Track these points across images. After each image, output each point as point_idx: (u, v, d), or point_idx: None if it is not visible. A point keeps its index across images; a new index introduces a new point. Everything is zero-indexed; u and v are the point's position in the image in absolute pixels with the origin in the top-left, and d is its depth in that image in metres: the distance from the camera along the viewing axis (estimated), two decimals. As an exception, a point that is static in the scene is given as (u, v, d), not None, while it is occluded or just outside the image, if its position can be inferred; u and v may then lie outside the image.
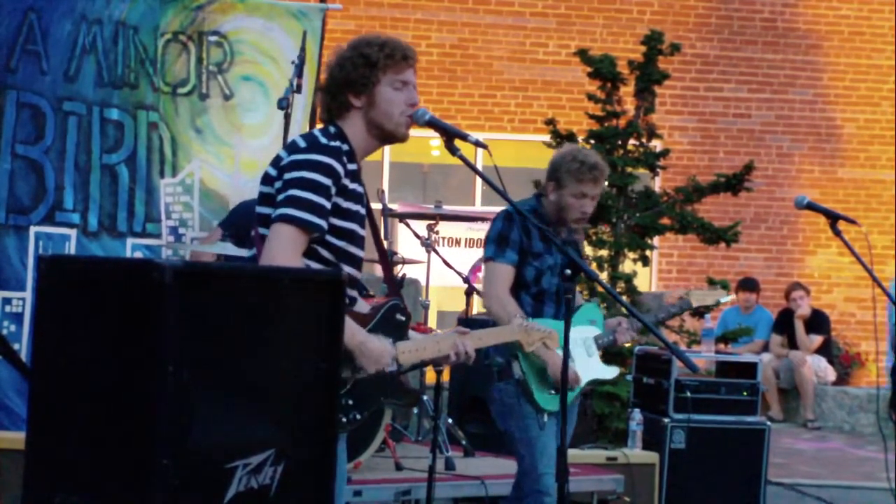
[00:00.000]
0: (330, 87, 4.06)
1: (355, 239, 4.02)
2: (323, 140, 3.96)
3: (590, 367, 5.91)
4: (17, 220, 6.95)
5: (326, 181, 3.87)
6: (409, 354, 4.08)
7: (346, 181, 3.93)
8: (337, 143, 3.97)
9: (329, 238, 3.94)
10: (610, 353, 6.29)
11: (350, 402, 3.91)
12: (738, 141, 15.37)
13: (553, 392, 5.70)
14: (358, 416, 3.95)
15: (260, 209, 4.01)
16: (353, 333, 3.81)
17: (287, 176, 3.89)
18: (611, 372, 6.06)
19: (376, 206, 7.05)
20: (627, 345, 6.38)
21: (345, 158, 3.94)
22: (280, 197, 3.88)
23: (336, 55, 4.07)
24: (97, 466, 3.07)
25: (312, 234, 3.86)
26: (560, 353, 5.42)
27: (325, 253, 3.95)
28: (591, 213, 5.89)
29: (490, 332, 4.43)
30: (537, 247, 5.75)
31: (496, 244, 5.78)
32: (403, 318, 4.13)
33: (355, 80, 4.00)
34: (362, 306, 4.11)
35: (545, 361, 5.66)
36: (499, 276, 5.73)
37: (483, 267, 5.90)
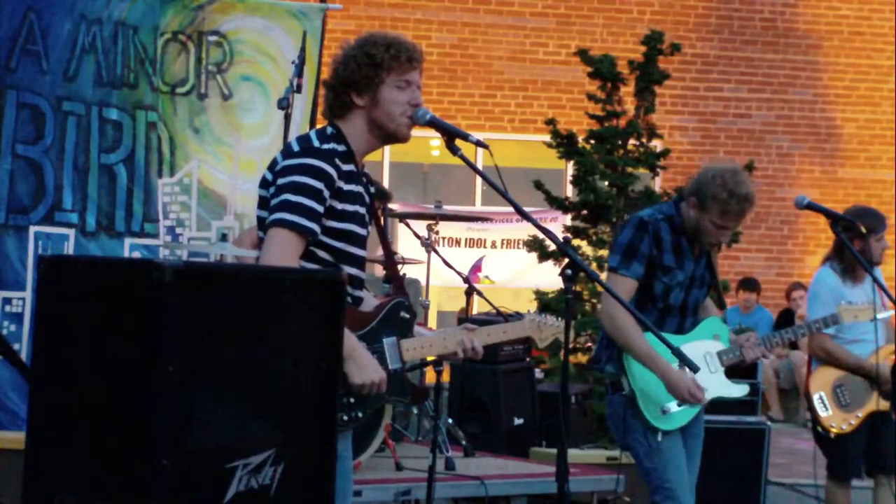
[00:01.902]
0: (333, 85, 4.06)
1: (355, 239, 4.02)
2: (317, 143, 3.97)
3: (713, 384, 5.49)
4: (16, 219, 6.94)
5: (319, 185, 3.88)
6: (415, 352, 4.08)
7: (340, 183, 3.93)
8: (332, 146, 3.97)
9: (327, 240, 3.94)
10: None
11: (352, 400, 3.91)
12: (739, 141, 15.37)
13: (666, 411, 5.40)
14: (360, 415, 3.95)
15: (259, 213, 4.03)
16: (346, 340, 3.78)
17: (280, 181, 3.91)
18: (739, 390, 5.68)
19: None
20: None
21: (338, 161, 3.94)
22: (274, 202, 3.90)
23: (342, 52, 4.07)
24: (97, 466, 3.07)
25: (307, 238, 3.86)
26: (686, 370, 5.23)
27: (323, 254, 3.95)
28: (724, 242, 5.58)
29: (499, 329, 4.42)
30: (668, 260, 5.44)
31: (623, 254, 5.42)
32: (408, 316, 4.13)
33: (359, 79, 4.00)
34: (368, 305, 4.11)
35: (662, 377, 5.33)
36: (620, 291, 5.23)
37: (605, 276, 5.50)
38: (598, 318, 9.48)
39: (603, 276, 5.69)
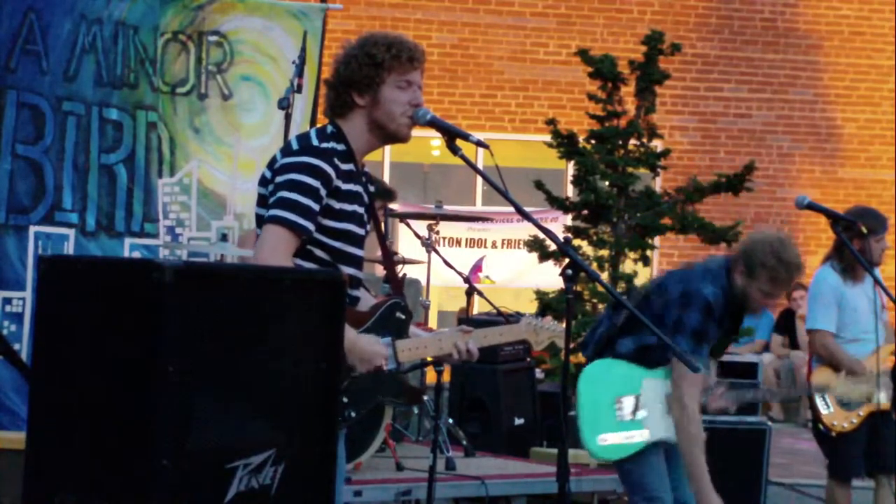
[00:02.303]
0: (334, 84, 4.06)
1: (353, 239, 4.01)
2: (315, 142, 3.97)
3: (663, 426, 5.44)
4: (17, 219, 6.94)
5: (315, 183, 3.88)
6: (410, 352, 4.08)
7: (338, 182, 3.93)
8: (331, 145, 3.97)
9: (325, 239, 3.94)
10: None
11: (345, 399, 3.91)
12: (739, 141, 15.37)
13: (605, 440, 5.38)
14: (353, 415, 3.94)
15: (257, 210, 4.04)
16: (345, 334, 3.78)
17: (278, 179, 3.92)
18: None
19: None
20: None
21: (337, 160, 3.94)
22: (271, 199, 3.90)
23: (343, 51, 4.07)
24: (97, 466, 3.07)
25: (301, 236, 3.87)
26: (630, 398, 5.34)
27: (321, 254, 3.95)
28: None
29: (495, 331, 4.42)
30: (713, 334, 5.42)
31: (694, 340, 5.33)
32: (403, 317, 4.13)
33: (360, 78, 4.00)
34: (365, 304, 4.11)
35: (699, 494, 5.29)
36: (691, 381, 5.25)
37: (673, 364, 5.34)
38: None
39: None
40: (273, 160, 4.01)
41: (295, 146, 3.99)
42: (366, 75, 3.99)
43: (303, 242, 3.90)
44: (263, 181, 4.01)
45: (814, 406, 6.90)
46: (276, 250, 3.84)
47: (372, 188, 4.17)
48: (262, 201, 3.99)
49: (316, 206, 3.89)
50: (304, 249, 3.92)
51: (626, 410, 5.41)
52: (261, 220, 3.98)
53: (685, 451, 5.33)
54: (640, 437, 5.41)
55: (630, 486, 5.52)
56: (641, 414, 5.41)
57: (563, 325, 4.53)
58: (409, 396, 4.23)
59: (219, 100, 7.49)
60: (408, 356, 4.07)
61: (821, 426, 6.88)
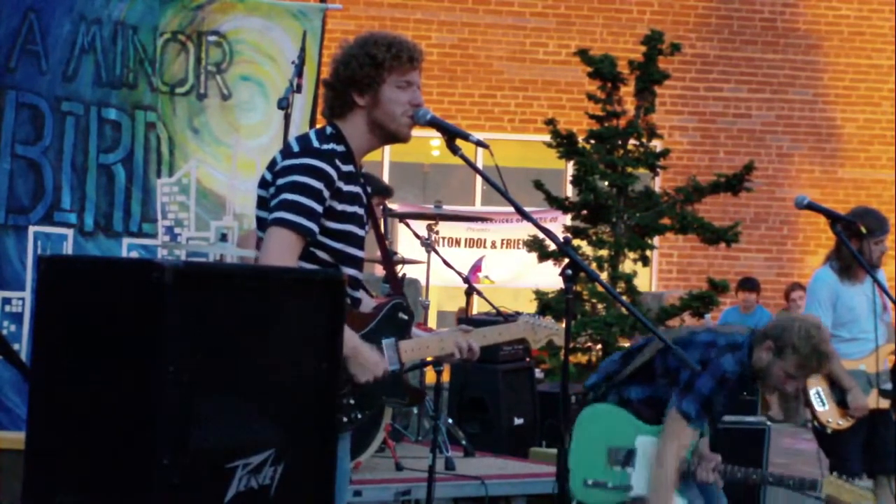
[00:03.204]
0: (334, 85, 4.06)
1: (353, 240, 4.01)
2: (316, 143, 3.96)
3: (646, 484, 5.42)
4: (16, 219, 6.94)
5: (318, 185, 3.88)
6: (413, 353, 4.08)
7: (339, 184, 3.93)
8: (331, 146, 3.96)
9: (326, 240, 3.94)
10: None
11: (351, 401, 3.91)
12: (738, 141, 15.37)
13: (590, 484, 5.41)
14: (360, 416, 3.95)
15: (258, 213, 4.03)
16: (347, 340, 3.78)
17: (280, 181, 3.91)
18: (677, 501, 5.43)
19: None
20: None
21: (338, 161, 3.94)
22: (274, 201, 3.90)
23: (342, 51, 4.06)
24: (97, 466, 3.07)
25: (306, 238, 3.87)
26: (622, 451, 5.35)
27: (322, 255, 3.95)
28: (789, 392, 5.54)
29: (494, 330, 4.42)
30: (718, 405, 5.40)
31: (700, 406, 5.32)
32: (406, 317, 4.12)
33: (360, 78, 3.99)
34: (367, 306, 4.11)
35: None
36: (683, 439, 5.27)
37: (670, 415, 5.34)
38: (598, 318, 9.48)
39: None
40: (273, 162, 4.00)
41: (295, 148, 3.98)
42: (366, 75, 3.99)
43: (306, 244, 3.90)
44: (264, 183, 4.00)
45: (809, 403, 6.91)
46: (282, 253, 3.83)
47: (369, 188, 4.17)
48: (263, 203, 3.99)
49: (319, 208, 3.88)
50: (306, 251, 3.91)
51: (616, 460, 5.42)
52: (262, 223, 3.97)
53: (654, 493, 5.31)
54: (624, 489, 5.42)
55: None
56: (630, 469, 5.41)
57: (562, 324, 4.54)
58: (412, 397, 4.24)
59: (218, 100, 7.49)
60: (411, 356, 4.08)
61: (816, 424, 6.88)
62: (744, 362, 5.38)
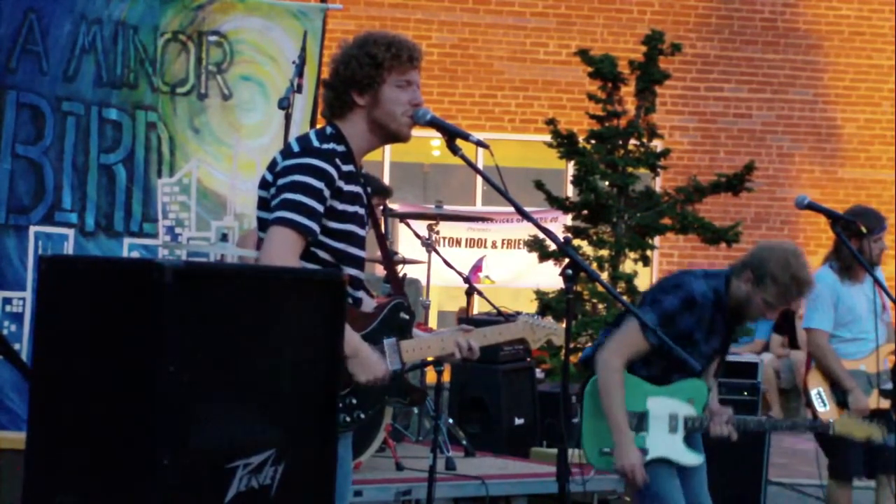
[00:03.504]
0: (334, 85, 4.06)
1: (354, 240, 4.02)
2: (316, 143, 3.97)
3: (664, 444, 5.41)
4: (17, 219, 6.94)
5: (319, 184, 3.88)
6: (414, 353, 4.08)
7: (340, 183, 3.93)
8: (331, 146, 3.97)
9: (328, 240, 3.94)
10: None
11: (354, 401, 3.91)
12: (739, 141, 15.37)
13: (605, 452, 5.35)
14: (362, 416, 3.95)
15: (258, 213, 4.03)
16: (348, 340, 3.78)
17: (281, 181, 3.91)
18: (691, 458, 5.51)
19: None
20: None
21: (339, 161, 3.94)
22: (274, 201, 3.90)
23: (342, 51, 4.06)
24: (97, 466, 3.07)
25: (307, 237, 3.87)
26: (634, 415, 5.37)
27: (323, 255, 3.95)
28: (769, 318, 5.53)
29: (494, 330, 4.42)
30: (698, 336, 5.37)
31: (659, 319, 5.29)
32: (407, 317, 4.13)
33: (360, 78, 4.00)
34: (368, 305, 4.11)
35: (615, 441, 5.28)
36: (630, 344, 5.27)
37: (631, 321, 5.33)
38: (598, 318, 9.47)
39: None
40: (273, 163, 4.00)
41: (295, 148, 3.98)
42: (366, 75, 3.99)
43: (307, 244, 3.90)
44: (264, 184, 4.01)
45: (811, 404, 6.90)
46: (283, 252, 3.83)
47: (368, 188, 4.17)
48: (263, 204, 3.99)
49: (320, 208, 3.88)
50: (307, 251, 3.92)
51: (629, 425, 5.39)
52: (262, 223, 3.98)
53: (603, 394, 5.31)
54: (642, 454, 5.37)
55: (646, 499, 5.46)
56: (644, 432, 5.40)
57: (563, 324, 4.54)
58: (414, 396, 4.24)
59: (219, 100, 7.49)
60: (412, 356, 4.08)
61: None
62: (718, 291, 5.38)
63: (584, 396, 5.45)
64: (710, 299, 5.36)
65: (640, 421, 5.40)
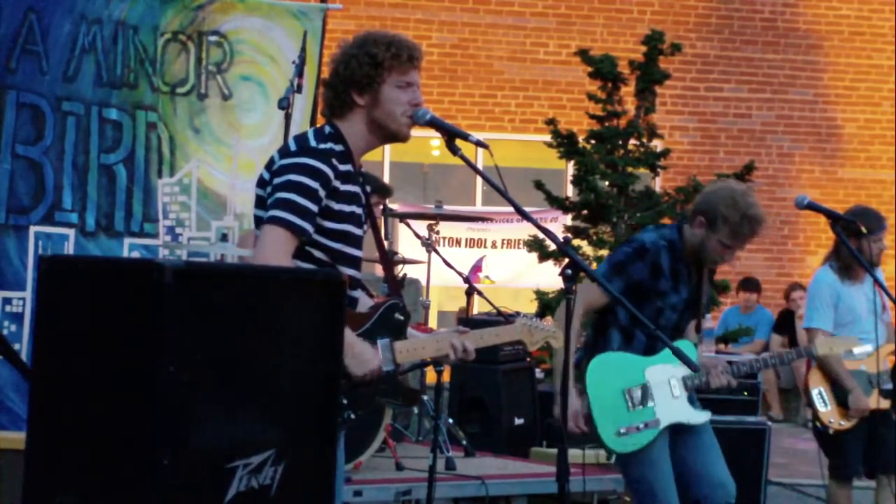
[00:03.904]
0: (334, 84, 4.06)
1: (351, 240, 4.02)
2: (313, 143, 3.97)
3: (673, 409, 5.50)
4: (17, 219, 6.94)
5: (314, 184, 3.89)
6: (408, 354, 4.08)
7: (336, 183, 3.94)
8: (329, 145, 3.97)
9: (324, 240, 3.94)
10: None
11: (344, 401, 3.91)
12: (739, 141, 15.37)
13: (623, 433, 5.41)
14: (352, 416, 3.95)
15: (256, 212, 4.04)
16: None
17: (277, 180, 3.92)
18: (699, 416, 5.60)
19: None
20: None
21: (335, 161, 3.94)
22: (269, 200, 3.91)
23: (342, 51, 4.06)
24: (97, 466, 3.07)
25: (300, 238, 3.87)
26: (637, 389, 5.40)
27: (319, 254, 3.95)
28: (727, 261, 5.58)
29: (491, 332, 4.42)
30: (663, 286, 5.44)
31: (611, 268, 5.42)
32: (402, 318, 4.13)
33: (360, 78, 4.00)
34: (364, 305, 4.11)
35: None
36: (586, 295, 5.34)
37: (585, 280, 5.44)
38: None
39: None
40: (271, 161, 4.01)
41: (293, 147, 3.98)
42: (366, 75, 4.00)
43: (302, 244, 3.90)
44: (261, 183, 4.01)
45: (812, 404, 6.91)
46: (276, 251, 3.84)
47: (368, 188, 4.17)
48: (261, 203, 4.00)
49: (314, 208, 3.89)
50: (303, 251, 3.92)
51: (636, 401, 5.43)
52: (259, 222, 3.98)
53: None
54: (654, 424, 5.44)
55: (640, 494, 5.50)
56: (650, 403, 5.44)
57: (559, 325, 4.54)
58: (406, 397, 4.23)
59: (219, 100, 7.49)
60: (405, 357, 4.08)
61: (818, 424, 6.89)
62: (672, 239, 5.46)
63: (586, 386, 5.47)
64: (662, 245, 5.44)
65: (643, 393, 5.44)
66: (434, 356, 4.17)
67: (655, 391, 5.45)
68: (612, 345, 5.51)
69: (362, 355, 3.91)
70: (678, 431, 5.55)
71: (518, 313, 4.68)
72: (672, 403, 5.49)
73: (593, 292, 5.38)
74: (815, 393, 6.87)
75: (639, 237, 5.54)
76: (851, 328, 6.80)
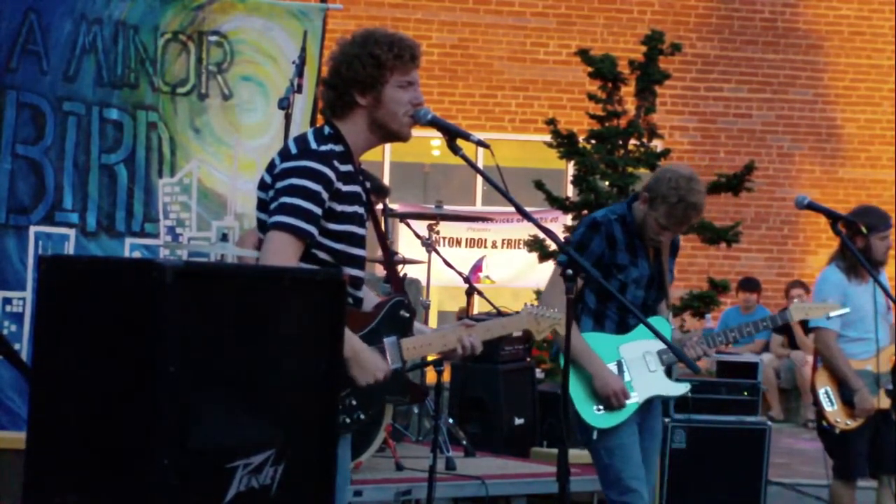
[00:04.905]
0: (336, 85, 4.05)
1: (354, 240, 4.02)
2: (314, 145, 3.96)
3: (650, 383, 5.58)
4: (17, 219, 6.95)
5: (317, 187, 3.88)
6: (415, 350, 4.08)
7: (338, 185, 3.93)
8: (329, 147, 3.96)
9: (327, 242, 3.94)
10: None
11: (353, 402, 3.91)
12: (739, 141, 15.37)
13: (601, 409, 5.48)
14: (362, 416, 3.95)
15: (258, 215, 4.03)
16: (348, 342, 3.76)
17: (279, 184, 3.91)
18: (678, 388, 5.75)
19: (377, 205, 7.04)
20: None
21: (336, 162, 3.94)
22: (273, 205, 3.90)
23: (342, 50, 4.05)
24: (97, 466, 3.07)
25: (305, 241, 3.87)
26: (612, 366, 5.46)
27: (323, 256, 3.95)
28: (665, 243, 5.67)
29: (498, 323, 4.42)
30: (622, 259, 5.52)
31: (573, 249, 5.49)
32: (408, 315, 4.12)
33: (363, 79, 3.99)
34: (369, 304, 4.11)
35: (591, 373, 5.45)
36: (554, 282, 5.47)
37: (554, 266, 5.66)
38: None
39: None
40: (272, 164, 4.00)
41: (293, 150, 3.97)
42: (369, 75, 3.99)
43: (306, 246, 3.90)
44: (263, 185, 4.00)
45: (817, 402, 6.91)
46: (282, 256, 3.83)
47: (368, 184, 4.17)
48: (263, 205, 3.99)
49: (318, 211, 3.88)
50: (306, 252, 3.91)
51: None
52: (262, 225, 3.98)
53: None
54: (632, 399, 5.52)
55: (607, 482, 5.58)
56: (627, 377, 5.53)
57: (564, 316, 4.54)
58: (414, 394, 4.23)
59: (219, 100, 7.49)
60: (413, 354, 4.08)
61: (824, 423, 6.88)
62: (622, 213, 5.60)
63: (563, 363, 5.55)
64: (613, 219, 5.57)
65: (618, 370, 5.53)
66: (441, 352, 4.17)
67: (631, 366, 5.55)
68: (585, 329, 5.57)
69: (368, 363, 3.90)
70: (643, 426, 5.62)
71: (518, 313, 4.67)
72: (648, 377, 5.59)
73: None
74: (821, 392, 6.87)
75: (589, 216, 5.72)
76: (857, 327, 6.80)
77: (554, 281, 5.52)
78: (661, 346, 5.53)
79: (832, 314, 6.14)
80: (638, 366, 5.57)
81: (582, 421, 5.50)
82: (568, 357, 4.49)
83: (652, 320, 5.52)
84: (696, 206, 5.50)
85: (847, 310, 6.21)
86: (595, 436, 5.48)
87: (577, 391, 5.47)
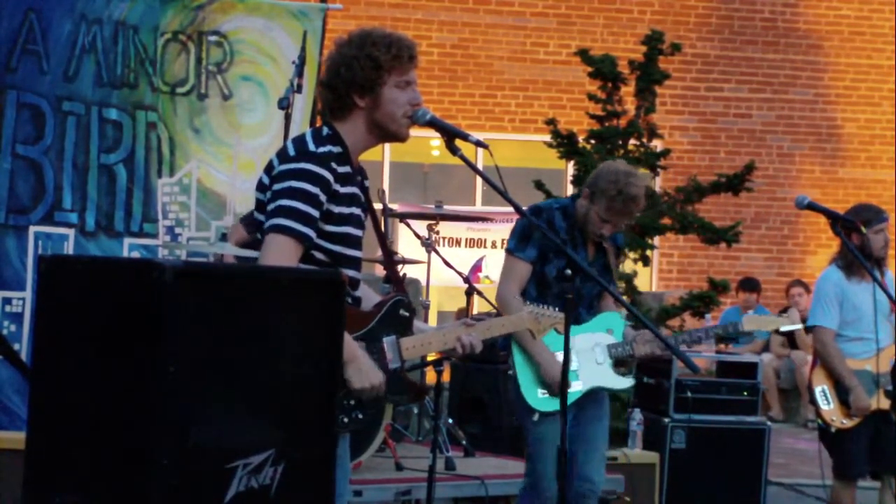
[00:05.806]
0: (334, 86, 4.04)
1: (351, 241, 4.01)
2: (312, 147, 3.95)
3: (596, 374, 5.82)
4: (16, 219, 6.95)
5: (314, 190, 3.88)
6: (415, 350, 4.08)
7: (336, 186, 3.93)
8: (327, 148, 3.96)
9: (324, 243, 3.94)
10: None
11: (352, 402, 3.90)
12: (739, 141, 15.37)
13: (544, 393, 5.72)
14: (360, 416, 3.94)
15: (256, 216, 4.03)
16: (345, 346, 3.74)
17: (276, 186, 3.90)
18: (622, 382, 5.98)
19: (377, 206, 7.03)
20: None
21: (334, 163, 3.93)
22: (270, 207, 3.89)
23: (340, 52, 4.04)
24: (97, 466, 3.07)
25: (304, 244, 3.87)
26: (558, 355, 5.52)
27: (320, 256, 3.94)
28: (607, 236, 5.85)
29: (498, 322, 4.42)
30: (539, 237, 5.73)
31: (518, 238, 5.79)
32: (407, 314, 4.12)
33: (362, 81, 3.99)
34: (369, 302, 4.10)
35: (538, 362, 5.70)
36: (514, 272, 5.76)
37: (504, 258, 5.89)
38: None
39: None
40: (270, 166, 3.99)
41: (292, 152, 3.96)
42: (367, 77, 3.99)
43: (305, 248, 3.90)
44: (261, 187, 4.00)
45: (814, 401, 6.91)
46: (281, 259, 3.83)
47: (366, 183, 4.17)
48: (261, 207, 3.99)
49: (316, 213, 3.88)
50: (304, 253, 3.91)
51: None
52: (260, 226, 3.97)
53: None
54: (575, 387, 5.73)
55: (529, 466, 5.85)
56: (574, 366, 5.67)
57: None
58: (414, 393, 4.23)
59: (219, 100, 7.49)
60: (412, 353, 4.07)
61: (820, 422, 6.89)
62: (564, 205, 5.83)
63: (510, 354, 5.80)
64: (555, 208, 5.80)
65: None
66: (441, 350, 4.16)
67: (579, 356, 5.73)
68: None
69: (364, 368, 3.89)
70: (582, 414, 5.80)
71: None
72: (595, 369, 5.81)
73: (519, 267, 5.75)
74: (818, 391, 6.87)
75: (533, 204, 5.93)
76: (856, 326, 6.80)
77: (506, 269, 5.80)
78: (611, 340, 5.81)
79: (783, 328, 6.24)
80: (586, 356, 5.79)
81: (525, 403, 5.73)
82: (567, 358, 4.49)
83: (605, 315, 5.88)
84: (634, 199, 5.68)
85: (800, 326, 6.26)
86: (536, 418, 5.71)
87: (524, 375, 5.71)
